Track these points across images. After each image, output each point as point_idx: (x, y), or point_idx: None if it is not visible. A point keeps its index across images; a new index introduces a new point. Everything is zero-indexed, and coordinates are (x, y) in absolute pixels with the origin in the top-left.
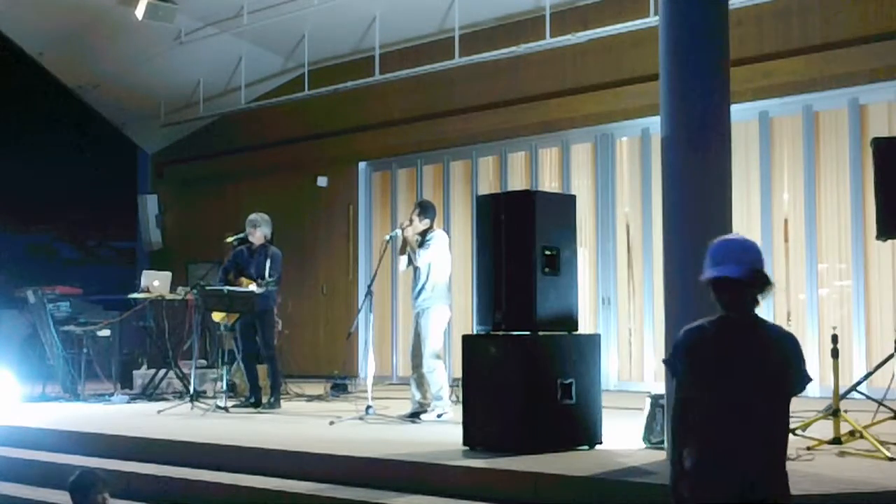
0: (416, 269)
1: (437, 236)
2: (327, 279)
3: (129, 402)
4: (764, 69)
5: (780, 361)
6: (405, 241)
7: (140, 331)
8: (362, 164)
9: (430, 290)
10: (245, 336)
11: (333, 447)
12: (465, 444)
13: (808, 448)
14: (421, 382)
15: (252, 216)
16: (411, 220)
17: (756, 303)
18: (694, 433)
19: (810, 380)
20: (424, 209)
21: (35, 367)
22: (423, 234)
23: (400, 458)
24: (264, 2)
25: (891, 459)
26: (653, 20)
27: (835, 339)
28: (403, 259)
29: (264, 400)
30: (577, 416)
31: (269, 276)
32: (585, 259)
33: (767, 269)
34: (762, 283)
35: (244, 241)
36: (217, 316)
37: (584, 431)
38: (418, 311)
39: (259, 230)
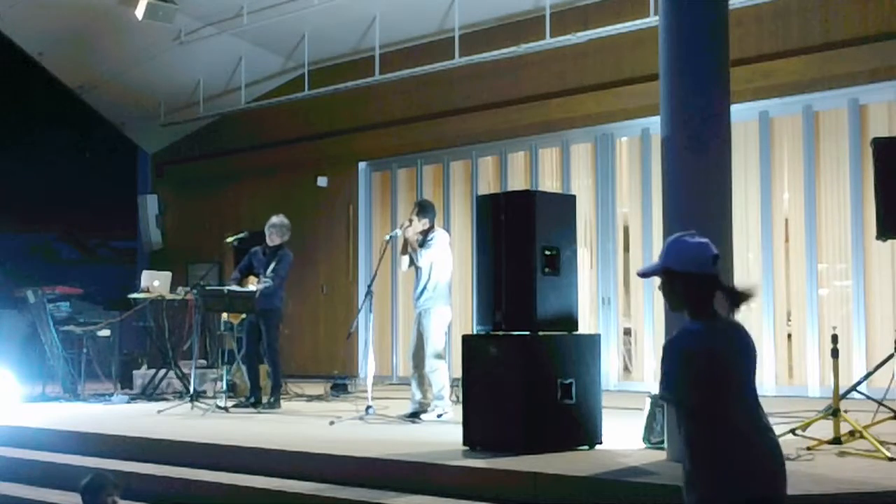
0: (417, 269)
1: (439, 236)
2: (327, 279)
3: (129, 402)
4: (764, 69)
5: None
6: (406, 242)
7: (140, 331)
8: (362, 164)
9: (431, 290)
10: (249, 335)
11: (333, 447)
12: (465, 444)
13: (808, 448)
14: (422, 382)
15: (274, 219)
16: (411, 221)
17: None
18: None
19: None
20: (423, 209)
21: (35, 367)
22: (425, 233)
23: (400, 458)
24: (264, 2)
25: (891, 459)
26: (653, 20)
27: (835, 339)
28: (405, 259)
29: (264, 400)
30: (577, 416)
31: (268, 273)
32: (585, 259)
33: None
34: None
35: (244, 240)
36: (225, 314)
37: (584, 431)
38: (420, 312)
39: (276, 232)
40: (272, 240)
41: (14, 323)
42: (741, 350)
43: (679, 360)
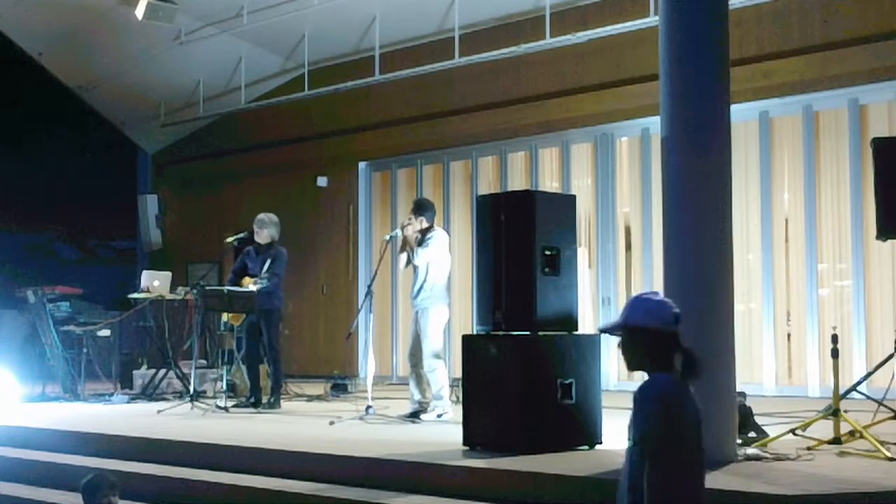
0: (415, 268)
1: (437, 236)
2: (327, 279)
3: (129, 402)
4: (764, 69)
5: None
6: (405, 240)
7: (140, 331)
8: (362, 164)
9: (428, 289)
10: (249, 336)
11: (333, 447)
12: (465, 444)
13: (808, 448)
14: (419, 382)
15: (260, 216)
16: (410, 220)
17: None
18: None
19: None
20: (420, 208)
21: (35, 367)
22: (424, 232)
23: (400, 458)
24: (264, 2)
25: (891, 459)
26: (653, 20)
27: (835, 339)
28: (403, 257)
29: (264, 400)
30: (577, 416)
31: (264, 273)
32: (585, 259)
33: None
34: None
35: (244, 241)
36: (225, 315)
37: (584, 431)
38: (417, 311)
39: (266, 230)
40: (261, 237)
41: (14, 323)
42: (696, 409)
43: (657, 405)
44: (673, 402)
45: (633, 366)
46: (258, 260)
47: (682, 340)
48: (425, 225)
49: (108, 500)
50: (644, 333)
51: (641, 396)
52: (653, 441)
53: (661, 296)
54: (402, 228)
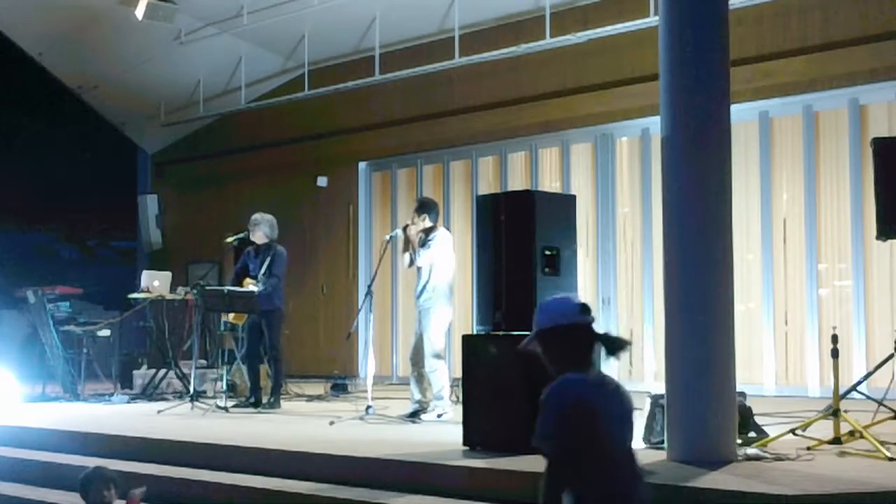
0: (418, 268)
1: (440, 236)
2: (327, 279)
3: (129, 402)
4: (764, 69)
5: None
6: (408, 240)
7: (140, 331)
8: (362, 164)
9: (431, 290)
10: (251, 336)
11: (333, 447)
12: (465, 444)
13: (808, 448)
14: (420, 381)
15: (254, 216)
16: (413, 220)
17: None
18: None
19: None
20: (423, 207)
21: (35, 367)
22: (427, 232)
23: (400, 458)
24: (264, 2)
25: (891, 459)
26: (653, 20)
27: (835, 339)
28: (406, 258)
29: (264, 400)
30: None
31: (265, 273)
32: (585, 259)
33: (767, 270)
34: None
35: (244, 241)
36: (229, 316)
37: None
38: (420, 311)
39: (259, 230)
40: (256, 237)
41: (14, 323)
42: (618, 405)
43: (557, 408)
44: (576, 403)
45: (555, 370)
46: (257, 261)
47: (594, 329)
48: (428, 224)
49: (102, 493)
50: (553, 333)
51: (545, 398)
52: (552, 444)
53: (561, 294)
54: (405, 229)
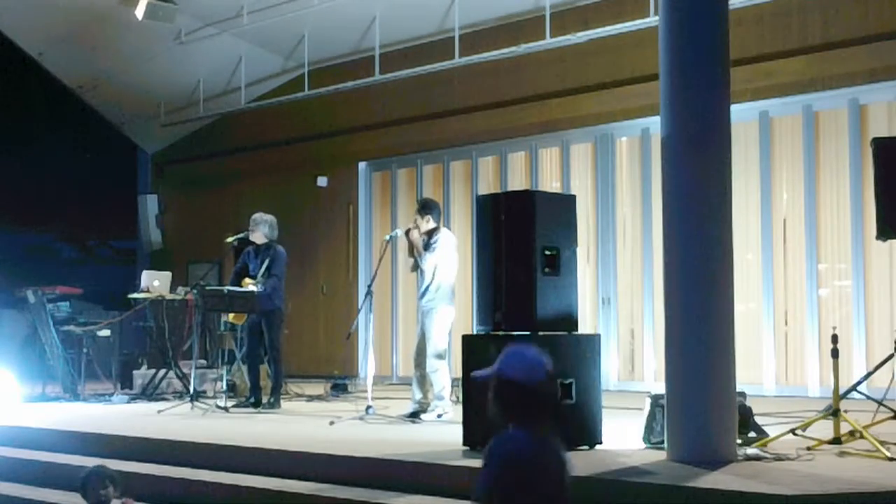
0: (421, 270)
1: (443, 238)
2: (327, 279)
3: (129, 402)
4: (764, 69)
5: None
6: (411, 244)
7: (140, 331)
8: (362, 164)
9: (434, 291)
10: (251, 336)
11: (333, 447)
12: (465, 444)
13: (808, 448)
14: (422, 382)
15: (254, 215)
16: (416, 222)
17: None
18: None
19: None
20: (427, 208)
21: (35, 367)
22: (430, 234)
23: (400, 458)
24: (264, 2)
25: (891, 459)
26: (653, 20)
27: (835, 339)
28: (411, 261)
29: (264, 400)
30: (577, 416)
31: (263, 275)
32: (585, 259)
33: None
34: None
35: (244, 241)
36: (230, 316)
37: (584, 431)
38: (423, 312)
39: (259, 230)
40: (256, 237)
41: (14, 323)
42: (558, 465)
43: (501, 464)
44: (521, 462)
45: (497, 418)
46: (257, 261)
47: (551, 396)
48: (431, 225)
49: (99, 493)
50: (514, 386)
51: (488, 453)
52: (486, 499)
53: (535, 349)
54: (407, 233)
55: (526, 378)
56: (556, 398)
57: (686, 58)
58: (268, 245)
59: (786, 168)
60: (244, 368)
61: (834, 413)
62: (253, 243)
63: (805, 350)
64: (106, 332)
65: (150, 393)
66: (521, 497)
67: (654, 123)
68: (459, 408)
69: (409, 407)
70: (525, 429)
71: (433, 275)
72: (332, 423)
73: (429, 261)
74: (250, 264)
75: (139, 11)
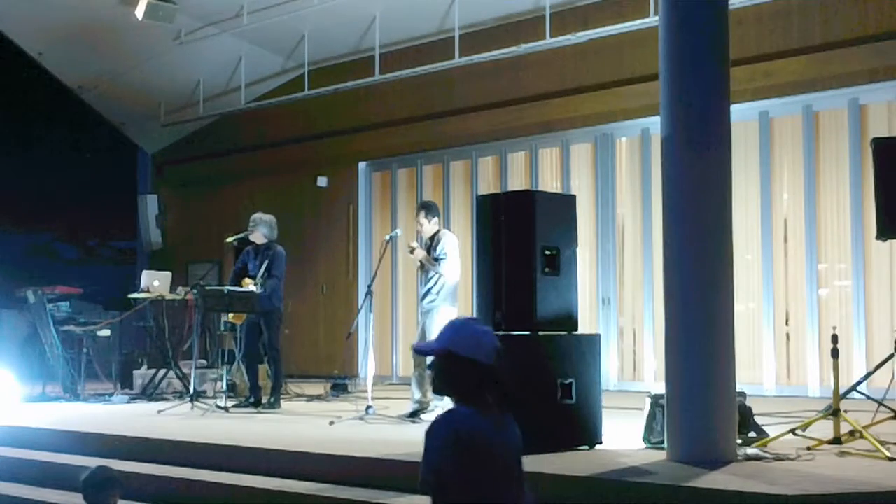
0: (425, 270)
1: (448, 242)
2: (327, 279)
3: (129, 402)
4: (764, 69)
5: None
6: (421, 262)
7: (140, 331)
8: (362, 164)
9: (436, 292)
10: (249, 336)
11: (333, 447)
12: None
13: (808, 448)
14: (422, 382)
15: (254, 215)
16: (420, 224)
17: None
18: None
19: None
20: (430, 209)
21: (35, 367)
22: (432, 239)
23: (400, 458)
24: (264, 2)
25: (891, 459)
26: (653, 20)
27: (835, 339)
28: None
29: (264, 400)
30: (577, 416)
31: (262, 275)
32: (585, 259)
33: (767, 270)
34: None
35: (244, 240)
36: (229, 315)
37: (584, 431)
38: (424, 312)
39: (258, 229)
40: (256, 237)
41: (14, 323)
42: (508, 442)
43: (445, 441)
44: (462, 438)
45: (442, 391)
46: (256, 261)
47: (498, 373)
48: (435, 227)
49: (97, 495)
50: (461, 362)
51: (429, 430)
52: (432, 478)
53: (483, 325)
54: (412, 252)
55: (474, 354)
56: (503, 375)
57: (686, 58)
58: (267, 245)
59: (786, 168)
60: (244, 368)
61: (834, 413)
62: (252, 243)
63: (805, 350)
64: (106, 332)
65: (150, 393)
66: (468, 475)
67: (654, 123)
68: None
69: (409, 407)
70: (472, 406)
71: (437, 276)
72: (332, 423)
73: (446, 267)
74: (249, 264)
75: (139, 11)
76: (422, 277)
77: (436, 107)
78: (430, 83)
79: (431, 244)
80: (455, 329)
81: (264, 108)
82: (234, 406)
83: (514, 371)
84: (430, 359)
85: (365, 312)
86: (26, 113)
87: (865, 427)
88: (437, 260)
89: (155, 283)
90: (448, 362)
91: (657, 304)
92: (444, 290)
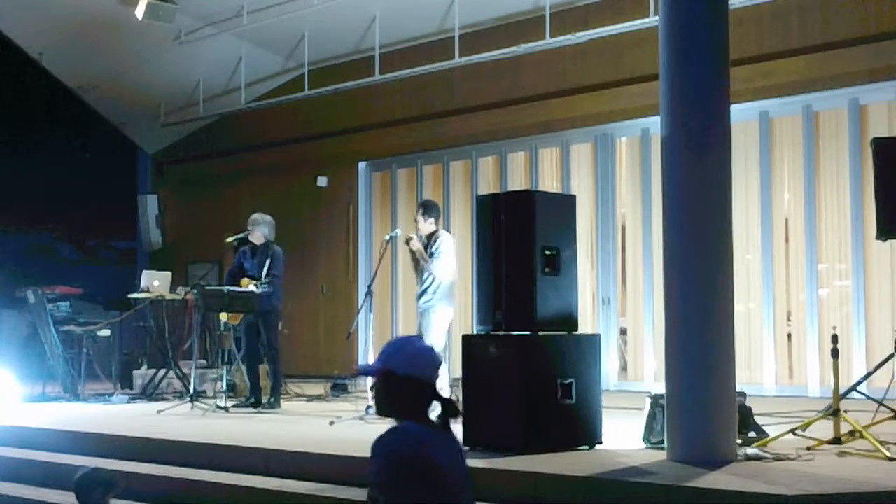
0: (420, 270)
1: (444, 242)
2: (327, 279)
3: (129, 402)
4: (764, 69)
5: None
6: (413, 254)
7: (140, 331)
8: (362, 164)
9: (433, 291)
10: (248, 336)
11: (333, 447)
12: (465, 444)
13: (808, 448)
14: None
15: (253, 215)
16: (417, 222)
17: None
18: None
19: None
20: (428, 209)
21: (35, 367)
22: (430, 237)
23: None
24: (264, 2)
25: (891, 459)
26: (653, 20)
27: (835, 339)
28: (416, 273)
29: (264, 400)
30: (577, 416)
31: (266, 275)
32: (585, 259)
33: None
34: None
35: (244, 241)
36: (224, 316)
37: (584, 431)
38: (421, 311)
39: (258, 229)
40: (255, 237)
41: (14, 323)
42: (454, 458)
43: (391, 459)
44: (408, 454)
45: (384, 411)
46: (254, 261)
47: (437, 390)
48: (432, 227)
49: (90, 495)
50: (403, 381)
51: (375, 447)
52: (380, 496)
53: (422, 342)
54: (408, 243)
55: (413, 372)
56: (437, 394)
57: (686, 58)
58: (265, 245)
59: (786, 168)
60: (244, 369)
61: (834, 413)
62: (250, 243)
63: (805, 350)
64: (106, 332)
65: (150, 393)
66: (414, 491)
67: (654, 123)
68: (459, 408)
69: None
70: (416, 422)
71: (434, 276)
72: (332, 423)
73: (438, 267)
74: (246, 264)
75: (139, 11)
76: (418, 278)
77: (436, 107)
78: (430, 83)
79: (428, 243)
80: (394, 348)
81: (264, 108)
82: (234, 406)
83: (514, 371)
84: (370, 381)
85: (365, 312)
86: (26, 113)
87: (865, 427)
88: (430, 255)
89: (155, 283)
90: (388, 382)
91: (657, 304)
92: (441, 289)
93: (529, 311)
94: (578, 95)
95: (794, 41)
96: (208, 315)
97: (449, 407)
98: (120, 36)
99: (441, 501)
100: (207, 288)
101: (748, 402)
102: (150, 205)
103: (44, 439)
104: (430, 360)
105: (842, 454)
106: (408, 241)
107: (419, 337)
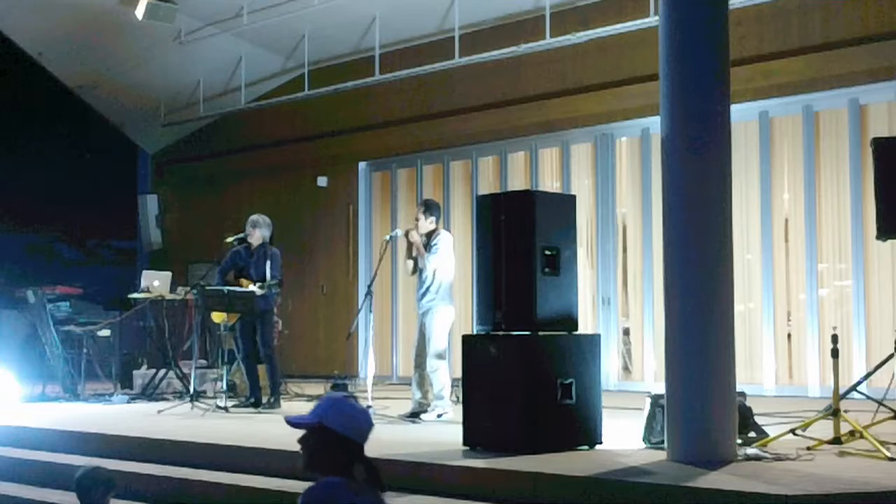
0: (421, 270)
1: (443, 239)
2: (327, 279)
3: (129, 402)
4: (764, 69)
5: None
6: (410, 245)
7: (140, 331)
8: (362, 164)
9: (433, 291)
10: (245, 336)
11: None
12: (465, 444)
13: (808, 448)
14: (422, 382)
15: (253, 216)
16: (417, 220)
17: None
18: None
19: None
20: (430, 208)
21: (35, 367)
22: (429, 235)
23: (400, 458)
24: (264, 2)
25: (891, 459)
26: (653, 20)
27: (835, 339)
28: (410, 263)
29: (264, 400)
30: (577, 416)
31: (272, 277)
32: (585, 259)
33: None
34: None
35: (244, 241)
36: (217, 317)
37: (584, 431)
38: (423, 312)
39: (258, 230)
40: (254, 237)
41: (14, 323)
42: None
43: None
44: None
45: (309, 466)
46: (252, 261)
47: (364, 453)
48: (432, 226)
49: (91, 494)
50: (334, 438)
51: (307, 497)
52: None
53: (357, 403)
54: (407, 234)
55: (348, 432)
56: (366, 459)
57: (686, 58)
58: (262, 245)
59: (786, 168)
60: (244, 369)
61: (834, 413)
62: (247, 243)
63: (805, 350)
64: (106, 332)
65: (150, 393)
66: None
67: (654, 123)
68: (459, 408)
69: (409, 407)
70: (341, 476)
71: (433, 275)
72: None
73: (432, 263)
74: (241, 263)
75: (139, 11)
76: (413, 273)
77: (436, 107)
78: (430, 83)
79: (428, 241)
80: (331, 404)
81: (264, 108)
82: (234, 406)
83: (514, 371)
84: (299, 433)
85: (365, 312)
86: (26, 113)
87: (865, 427)
88: (428, 251)
89: (155, 283)
90: (320, 436)
91: (657, 305)
92: (442, 289)
93: (529, 312)
94: (578, 95)
95: (794, 41)
96: (208, 315)
97: (372, 472)
98: (120, 36)
99: None
100: (207, 288)
101: (748, 402)
102: (150, 205)
103: (44, 439)
104: (367, 422)
105: (842, 454)
106: (407, 233)
107: (354, 396)
